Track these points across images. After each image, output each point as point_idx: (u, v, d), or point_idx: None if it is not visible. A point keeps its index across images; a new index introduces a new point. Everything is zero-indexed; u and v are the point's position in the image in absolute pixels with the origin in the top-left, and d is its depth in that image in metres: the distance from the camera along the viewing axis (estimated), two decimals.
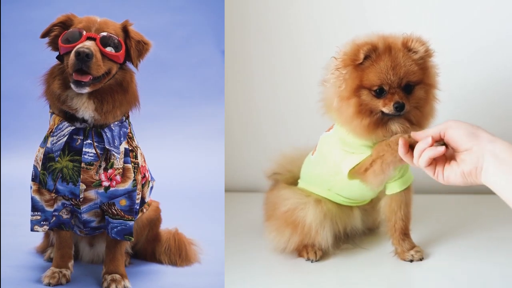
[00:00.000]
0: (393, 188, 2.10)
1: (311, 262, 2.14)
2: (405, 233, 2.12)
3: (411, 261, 2.08)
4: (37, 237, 2.31)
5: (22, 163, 2.51)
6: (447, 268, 2.03)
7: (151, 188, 2.17)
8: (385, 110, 1.91)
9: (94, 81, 1.81)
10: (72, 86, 1.79)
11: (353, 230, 2.27)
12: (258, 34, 3.14)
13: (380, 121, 1.93)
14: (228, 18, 3.14)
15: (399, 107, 1.89)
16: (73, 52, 1.76)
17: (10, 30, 4.07)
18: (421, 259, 2.08)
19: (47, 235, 2.27)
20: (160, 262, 2.29)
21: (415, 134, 1.77)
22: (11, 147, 3.88)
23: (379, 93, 1.91)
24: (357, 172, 2.00)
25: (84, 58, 1.74)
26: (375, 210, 2.23)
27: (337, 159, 2.04)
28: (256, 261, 2.20)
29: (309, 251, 2.15)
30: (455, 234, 2.34)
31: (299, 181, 2.30)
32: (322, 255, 2.16)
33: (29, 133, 3.16)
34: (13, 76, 4.02)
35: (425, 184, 2.88)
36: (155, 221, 2.26)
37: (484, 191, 2.91)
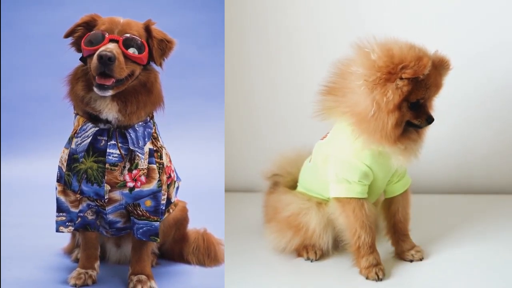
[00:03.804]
0: (392, 191, 2.12)
1: (311, 261, 2.16)
2: (404, 234, 2.15)
3: (411, 261, 2.10)
4: (65, 238, 2.32)
5: (48, 165, 2.51)
6: (447, 268, 2.05)
7: (177, 188, 2.16)
8: (416, 122, 1.92)
9: (118, 84, 1.80)
10: (95, 89, 1.78)
11: None
12: (258, 35, 3.15)
13: (403, 130, 1.93)
14: (228, 19, 3.14)
15: (430, 121, 1.93)
16: (95, 55, 1.75)
17: (35, 31, 4.13)
18: (421, 259, 2.11)
19: (74, 236, 2.28)
20: (188, 262, 2.28)
21: None
22: (33, 148, 3.88)
23: (413, 105, 1.90)
24: (339, 200, 2.02)
25: (106, 61, 1.73)
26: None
27: (328, 176, 2.06)
28: (256, 261, 2.21)
29: (309, 250, 2.17)
30: (455, 234, 2.36)
31: (298, 184, 2.31)
32: (322, 254, 2.18)
33: (51, 134, 3.16)
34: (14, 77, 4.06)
35: (425, 184, 2.95)
36: (182, 221, 2.25)
37: (484, 191, 3.00)
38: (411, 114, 1.91)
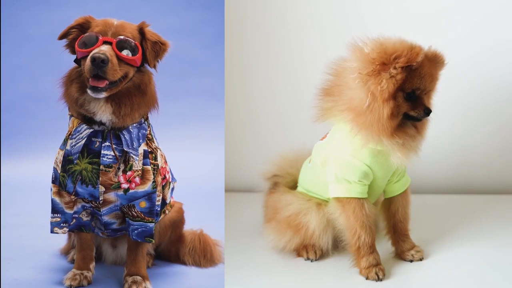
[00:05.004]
0: (392, 191, 2.12)
1: (311, 261, 2.16)
2: (404, 234, 2.15)
3: (411, 261, 2.11)
4: (62, 239, 2.33)
5: (48, 165, 2.53)
6: (447, 268, 2.05)
7: (172, 189, 2.15)
8: (413, 113, 1.92)
9: (111, 86, 1.80)
10: (89, 91, 1.78)
11: None
12: (258, 35, 3.15)
13: (400, 124, 1.93)
14: (228, 19, 3.14)
15: (428, 112, 1.92)
16: (89, 57, 1.75)
17: (36, 31, 4.17)
18: (421, 259, 2.11)
19: (70, 237, 2.28)
20: (184, 263, 2.28)
21: None
22: (33, 148, 3.91)
23: (409, 96, 1.90)
24: (339, 200, 2.03)
25: (99, 63, 1.73)
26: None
27: (327, 177, 2.05)
28: (256, 261, 2.21)
29: (308, 250, 2.18)
30: (455, 234, 2.36)
31: (298, 185, 2.31)
32: (322, 254, 2.19)
33: (50, 134, 3.17)
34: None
35: (425, 184, 2.95)
36: (178, 222, 2.25)
37: (484, 191, 3.00)
38: (408, 106, 1.91)
